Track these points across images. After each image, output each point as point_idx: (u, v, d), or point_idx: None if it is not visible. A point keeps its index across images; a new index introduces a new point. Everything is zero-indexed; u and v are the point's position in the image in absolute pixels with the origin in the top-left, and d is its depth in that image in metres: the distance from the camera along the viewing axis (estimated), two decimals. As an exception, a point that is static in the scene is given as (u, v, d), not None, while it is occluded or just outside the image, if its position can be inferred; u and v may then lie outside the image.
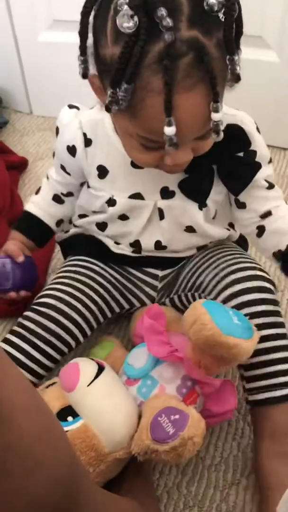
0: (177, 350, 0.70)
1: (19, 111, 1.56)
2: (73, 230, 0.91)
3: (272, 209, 0.79)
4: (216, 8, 0.55)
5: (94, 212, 0.83)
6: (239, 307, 0.75)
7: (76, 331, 0.81)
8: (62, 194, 0.87)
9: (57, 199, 0.88)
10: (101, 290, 0.85)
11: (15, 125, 1.51)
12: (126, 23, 0.54)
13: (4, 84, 1.51)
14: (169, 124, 0.57)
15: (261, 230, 0.80)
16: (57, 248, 1.13)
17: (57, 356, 0.79)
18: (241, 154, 0.74)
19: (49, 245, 1.12)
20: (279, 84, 1.28)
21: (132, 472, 0.73)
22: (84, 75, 0.63)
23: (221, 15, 0.56)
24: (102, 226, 0.84)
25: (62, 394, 0.69)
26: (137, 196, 0.77)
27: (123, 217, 0.81)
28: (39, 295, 0.84)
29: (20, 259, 0.85)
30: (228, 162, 0.75)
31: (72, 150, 0.78)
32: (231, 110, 0.75)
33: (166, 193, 0.77)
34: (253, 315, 0.74)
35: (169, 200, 0.77)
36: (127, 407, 0.69)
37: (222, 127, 0.61)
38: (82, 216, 0.87)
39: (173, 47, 0.54)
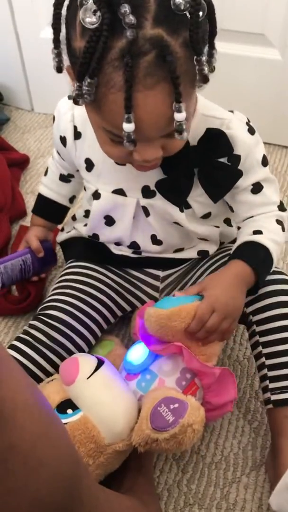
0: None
1: (21, 108, 1.55)
2: (73, 232, 0.91)
3: (256, 215, 0.78)
4: (182, 7, 0.54)
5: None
6: (268, 307, 0.76)
7: (81, 342, 0.82)
8: (64, 175, 0.90)
9: (63, 178, 0.91)
10: (104, 298, 0.86)
11: (17, 122, 1.51)
12: (89, 18, 0.54)
13: (5, 81, 1.51)
14: (128, 121, 0.57)
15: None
16: (58, 247, 1.13)
17: (60, 363, 0.80)
18: (223, 159, 0.73)
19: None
20: (281, 82, 1.28)
21: (132, 470, 0.73)
22: (58, 69, 0.63)
23: (189, 14, 0.55)
24: (94, 237, 0.86)
25: (61, 388, 0.70)
26: (120, 192, 0.78)
27: (109, 221, 0.82)
28: (43, 305, 0.85)
29: (41, 255, 0.95)
30: (208, 167, 0.73)
31: (63, 140, 0.80)
32: (223, 113, 0.74)
33: (147, 192, 0.77)
34: (281, 317, 0.76)
35: (150, 199, 0.77)
36: (126, 399, 0.69)
37: (185, 127, 0.59)
38: (87, 212, 0.87)
39: (135, 45, 0.54)
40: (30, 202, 1.25)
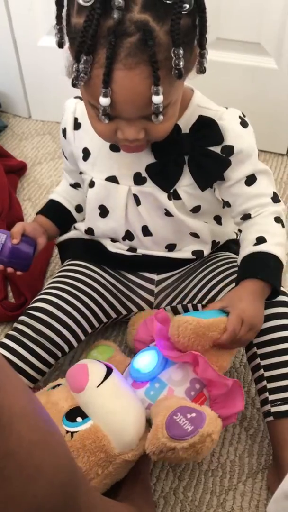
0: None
1: (18, 115, 1.56)
2: (72, 233, 0.92)
3: (252, 212, 0.77)
4: None
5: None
6: (269, 330, 0.76)
7: (68, 335, 0.82)
8: (72, 184, 0.92)
9: (72, 186, 0.93)
10: (96, 296, 0.86)
11: (14, 129, 1.52)
12: None
13: (3, 88, 1.51)
14: (105, 95, 0.62)
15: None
16: (55, 252, 1.13)
17: (51, 360, 0.81)
18: (215, 148, 0.75)
19: (48, 248, 1.12)
20: (277, 90, 1.29)
21: (130, 478, 0.73)
22: (60, 44, 0.66)
23: (174, 4, 0.58)
24: (89, 231, 0.88)
25: (69, 395, 0.69)
26: (112, 179, 0.81)
27: (103, 212, 0.84)
28: (34, 299, 0.85)
29: (15, 241, 0.84)
30: (198, 155, 0.75)
31: (64, 132, 0.84)
32: (218, 107, 0.77)
33: (138, 179, 0.79)
34: (279, 328, 0.76)
35: (141, 186, 0.79)
36: (136, 408, 0.69)
37: (163, 110, 0.63)
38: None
39: (121, 26, 0.58)
40: (27, 209, 1.26)
